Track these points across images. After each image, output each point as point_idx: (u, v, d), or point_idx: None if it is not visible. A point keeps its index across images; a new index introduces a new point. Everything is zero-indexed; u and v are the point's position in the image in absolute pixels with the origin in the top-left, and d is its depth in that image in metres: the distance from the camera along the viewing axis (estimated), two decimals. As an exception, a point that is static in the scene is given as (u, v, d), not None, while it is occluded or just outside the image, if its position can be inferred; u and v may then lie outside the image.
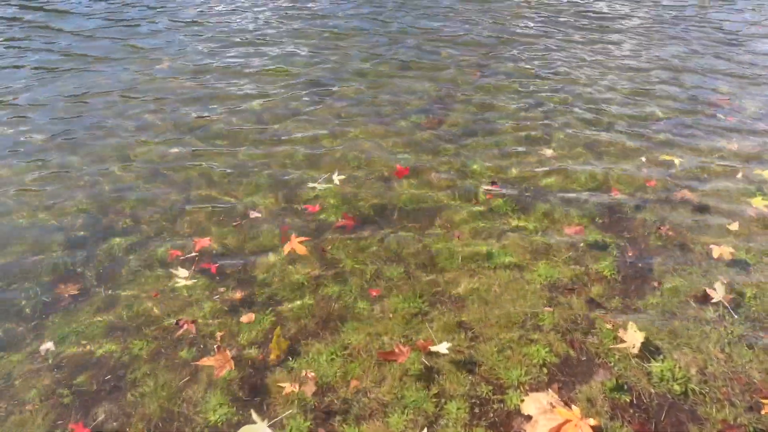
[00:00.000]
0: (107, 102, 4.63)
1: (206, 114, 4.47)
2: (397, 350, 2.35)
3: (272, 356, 2.39)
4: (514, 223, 3.28)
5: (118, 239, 3.14)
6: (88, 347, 2.49)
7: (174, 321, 2.61)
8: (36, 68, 5.24)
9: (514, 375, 2.31)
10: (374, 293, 2.75)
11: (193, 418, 2.18)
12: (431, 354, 2.37)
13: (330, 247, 3.08)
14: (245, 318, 2.62)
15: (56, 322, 2.62)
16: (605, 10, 7.04)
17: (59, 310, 2.69)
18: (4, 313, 2.67)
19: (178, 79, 5.03)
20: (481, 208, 3.40)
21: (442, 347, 2.34)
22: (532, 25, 6.49)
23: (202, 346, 2.49)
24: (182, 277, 2.81)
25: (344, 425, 2.12)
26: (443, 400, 2.22)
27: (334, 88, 4.91)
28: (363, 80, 5.07)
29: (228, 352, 2.38)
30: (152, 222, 3.28)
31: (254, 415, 1.97)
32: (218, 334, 2.54)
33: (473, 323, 2.58)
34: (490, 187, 3.57)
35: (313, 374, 2.28)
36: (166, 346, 2.49)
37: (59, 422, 2.15)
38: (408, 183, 3.62)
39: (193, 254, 2.99)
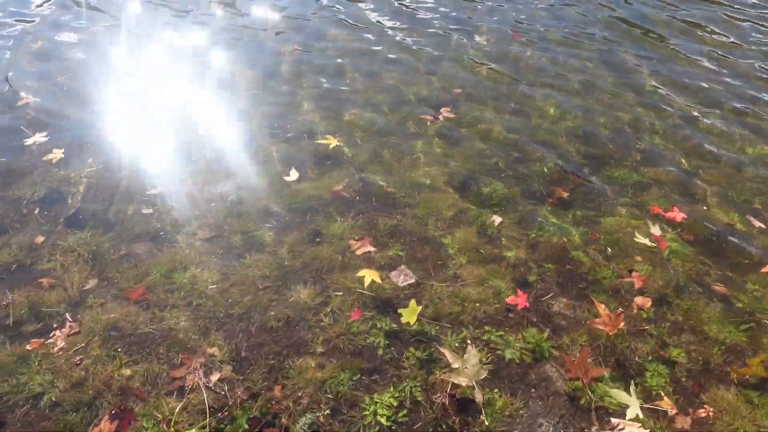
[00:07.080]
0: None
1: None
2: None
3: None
4: None
5: (612, 170, 3.33)
6: (561, 244, 2.79)
7: (629, 270, 2.65)
8: None
9: None
10: None
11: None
12: None
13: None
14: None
15: (548, 210, 3.00)
16: None
17: (551, 203, 3.06)
18: (517, 181, 3.21)
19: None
20: None
21: None
22: None
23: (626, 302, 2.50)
24: (648, 234, 2.80)
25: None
26: None
27: None
28: None
29: (621, 319, 2.28)
30: (644, 173, 3.34)
31: (632, 388, 1.99)
32: (638, 300, 2.47)
33: None
34: None
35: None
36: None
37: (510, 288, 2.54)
38: None
39: (671, 219, 2.93)
